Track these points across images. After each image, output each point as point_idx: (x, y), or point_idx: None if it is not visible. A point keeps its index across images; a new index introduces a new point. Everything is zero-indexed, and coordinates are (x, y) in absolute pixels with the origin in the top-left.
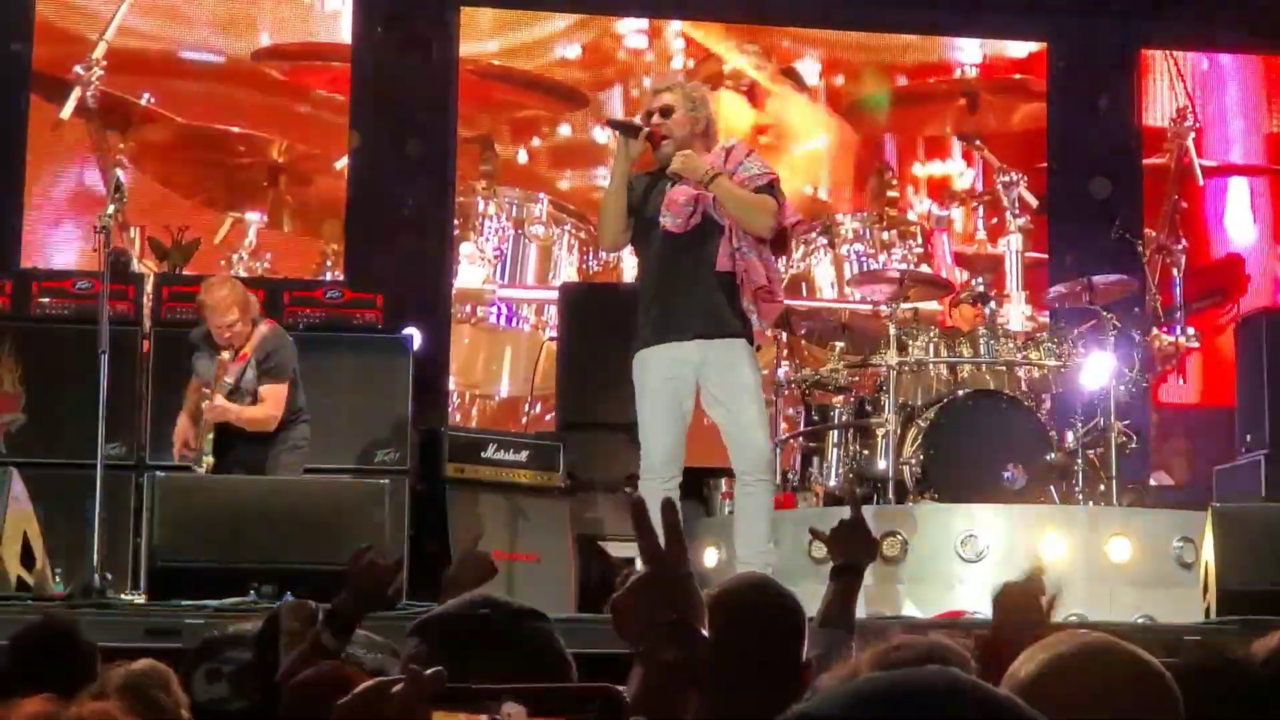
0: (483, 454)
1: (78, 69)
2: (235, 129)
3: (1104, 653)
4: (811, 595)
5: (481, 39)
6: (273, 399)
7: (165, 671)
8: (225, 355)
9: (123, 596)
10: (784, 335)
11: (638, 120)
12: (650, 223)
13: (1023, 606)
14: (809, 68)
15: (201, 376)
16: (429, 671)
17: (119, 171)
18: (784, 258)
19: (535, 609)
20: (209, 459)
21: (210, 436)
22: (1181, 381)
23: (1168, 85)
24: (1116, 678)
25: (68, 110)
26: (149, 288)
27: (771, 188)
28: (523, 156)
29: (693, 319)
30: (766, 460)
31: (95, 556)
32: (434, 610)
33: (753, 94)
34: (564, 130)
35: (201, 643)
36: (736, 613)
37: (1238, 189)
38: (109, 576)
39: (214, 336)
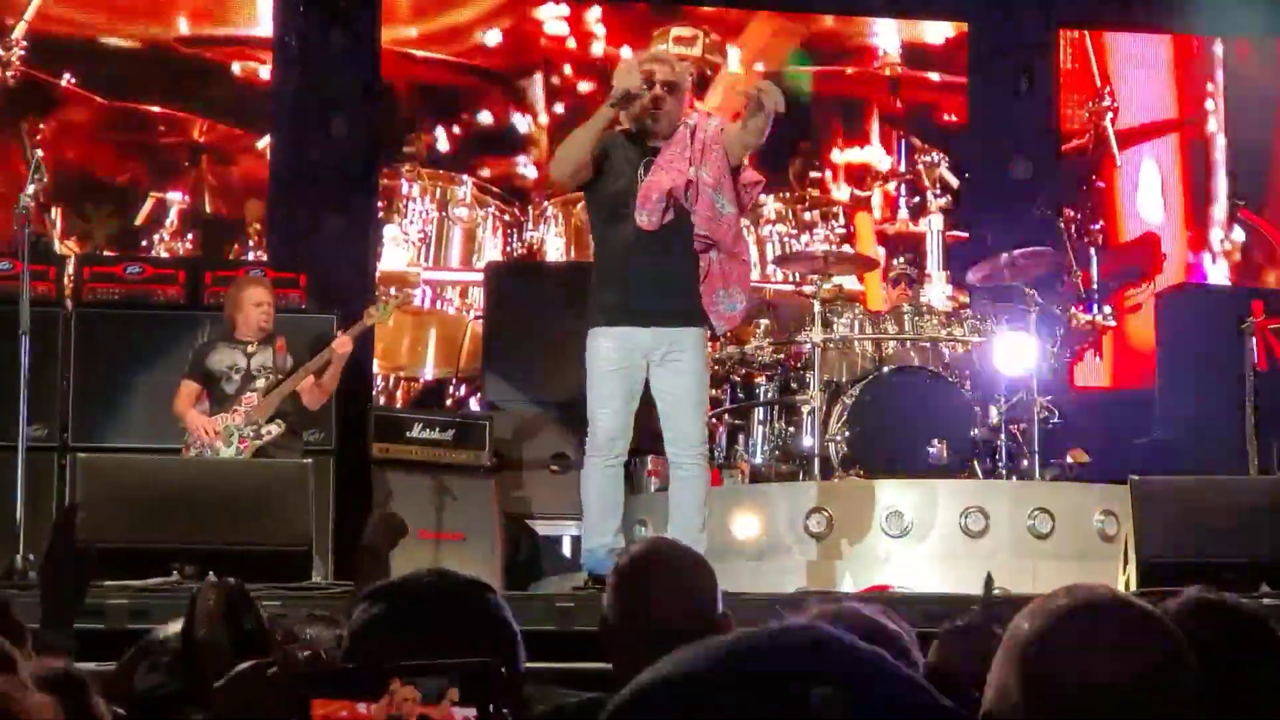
0: (408, 433)
1: None
2: (156, 108)
3: (1097, 605)
4: (745, 573)
5: (402, 24)
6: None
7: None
8: (252, 348)
9: None
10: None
11: (639, 87)
12: (620, 204)
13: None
14: (730, 54)
15: (217, 369)
16: (303, 655)
17: (38, 152)
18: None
19: (482, 580)
20: (279, 423)
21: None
22: (1098, 360)
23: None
24: (1114, 627)
25: None
26: (70, 269)
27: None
28: (443, 143)
29: (654, 305)
30: (701, 447)
31: (20, 538)
32: (384, 581)
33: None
34: (484, 117)
35: (143, 643)
36: (646, 572)
37: (1149, 171)
38: (31, 558)
39: (246, 322)
